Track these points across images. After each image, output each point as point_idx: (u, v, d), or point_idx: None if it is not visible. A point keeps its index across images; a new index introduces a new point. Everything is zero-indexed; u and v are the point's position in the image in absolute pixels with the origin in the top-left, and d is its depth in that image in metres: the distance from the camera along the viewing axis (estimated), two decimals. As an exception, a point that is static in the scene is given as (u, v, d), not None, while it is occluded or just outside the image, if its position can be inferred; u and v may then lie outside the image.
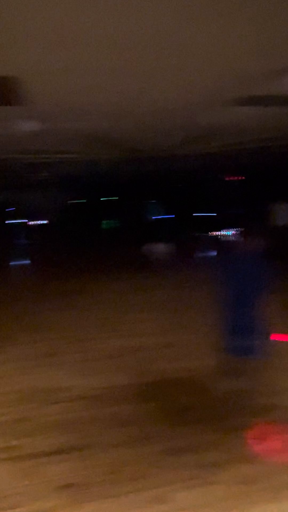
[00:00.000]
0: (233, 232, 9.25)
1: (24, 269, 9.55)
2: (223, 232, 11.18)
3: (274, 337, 2.61)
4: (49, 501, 2.15)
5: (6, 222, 16.87)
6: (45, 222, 18.21)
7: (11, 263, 9.73)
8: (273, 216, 11.06)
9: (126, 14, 2.56)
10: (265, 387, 2.95)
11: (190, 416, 2.85)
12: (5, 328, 4.88)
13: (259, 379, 2.74)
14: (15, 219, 17.25)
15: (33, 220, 18.06)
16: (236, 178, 13.03)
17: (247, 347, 2.52)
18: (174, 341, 4.26)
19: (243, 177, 13.03)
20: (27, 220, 17.45)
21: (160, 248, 10.09)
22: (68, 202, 20.84)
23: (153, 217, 15.00)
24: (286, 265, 3.85)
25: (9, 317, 5.38)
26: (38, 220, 18.39)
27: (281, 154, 8.42)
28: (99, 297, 6.26)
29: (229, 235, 10.49)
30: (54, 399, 3.16)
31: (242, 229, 2.78)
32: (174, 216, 14.93)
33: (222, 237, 10.95)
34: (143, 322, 4.97)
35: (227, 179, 13.25)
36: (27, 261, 10.00)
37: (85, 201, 20.28)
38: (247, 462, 2.37)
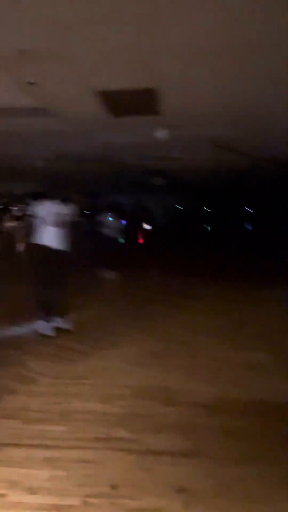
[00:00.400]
0: None
1: (135, 270, 9.93)
2: None
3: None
4: (163, 500, 2.20)
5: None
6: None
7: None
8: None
9: (256, 25, 2.53)
10: None
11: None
12: (119, 324, 5.16)
13: None
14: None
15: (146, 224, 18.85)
16: None
17: None
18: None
19: None
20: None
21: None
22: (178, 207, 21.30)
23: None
24: None
25: (120, 315, 5.69)
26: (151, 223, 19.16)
27: None
28: (212, 303, 6.23)
29: None
30: (168, 400, 3.23)
31: None
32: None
33: None
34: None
35: None
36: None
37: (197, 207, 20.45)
38: None
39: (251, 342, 4.59)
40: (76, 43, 2.89)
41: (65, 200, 4.87)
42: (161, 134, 5.37)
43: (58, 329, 4.75)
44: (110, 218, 9.38)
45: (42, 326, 4.70)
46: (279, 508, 2.17)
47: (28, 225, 5.07)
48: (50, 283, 4.63)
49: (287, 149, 7.32)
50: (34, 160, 9.55)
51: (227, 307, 6.15)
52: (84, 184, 21.25)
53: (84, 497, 2.21)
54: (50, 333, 4.66)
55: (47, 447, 2.67)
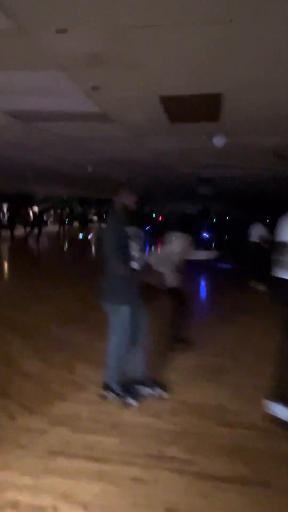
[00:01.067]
0: None
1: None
2: None
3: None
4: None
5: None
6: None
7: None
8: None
9: None
10: None
11: None
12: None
13: None
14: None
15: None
16: None
17: None
18: None
19: None
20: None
21: None
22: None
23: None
24: None
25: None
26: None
27: None
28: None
29: None
30: (223, 420, 3.05)
31: None
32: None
33: None
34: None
35: None
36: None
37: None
38: None
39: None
40: (145, 48, 2.83)
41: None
42: (218, 141, 5.22)
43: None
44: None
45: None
46: None
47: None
48: None
49: None
50: (85, 165, 9.70)
51: None
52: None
53: (139, 519, 2.10)
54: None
55: (98, 459, 2.59)
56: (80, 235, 22.29)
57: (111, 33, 2.62)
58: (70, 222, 31.83)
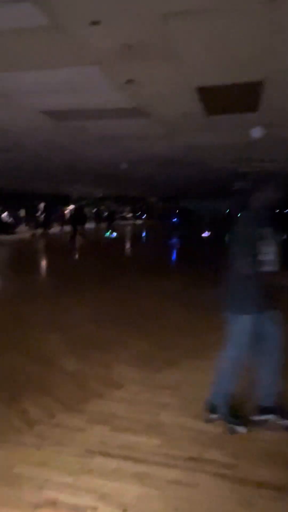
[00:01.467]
0: None
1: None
2: None
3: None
4: None
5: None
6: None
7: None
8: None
9: None
10: None
11: None
12: (212, 333, 4.89)
13: None
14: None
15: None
16: None
17: None
18: None
19: None
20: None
21: None
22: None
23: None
24: None
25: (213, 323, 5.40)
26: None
27: None
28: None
29: None
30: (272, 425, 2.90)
31: None
32: None
33: None
34: None
35: None
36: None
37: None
38: None
39: None
40: (183, 37, 2.73)
41: None
42: (257, 132, 5.04)
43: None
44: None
45: None
46: None
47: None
48: None
49: None
50: (119, 163, 9.70)
51: None
52: (162, 188, 21.36)
53: (181, 525, 2.02)
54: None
55: (136, 460, 2.53)
56: (107, 234, 22.29)
57: (147, 22, 2.54)
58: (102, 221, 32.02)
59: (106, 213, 28.07)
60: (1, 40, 2.80)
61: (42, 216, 23.93)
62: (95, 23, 2.51)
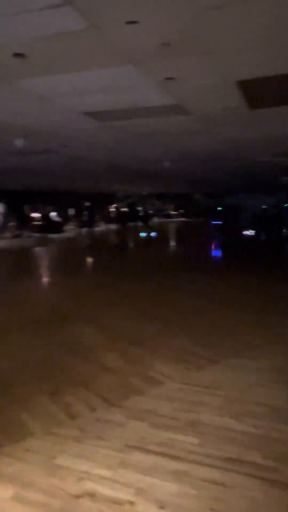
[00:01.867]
0: None
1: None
2: None
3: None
4: None
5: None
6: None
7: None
8: None
9: None
10: None
11: None
12: (253, 334, 4.78)
13: None
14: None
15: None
16: None
17: None
18: None
19: None
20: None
21: None
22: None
23: None
24: None
25: (254, 324, 5.28)
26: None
27: None
28: None
29: None
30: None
31: None
32: None
33: None
34: None
35: None
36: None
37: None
38: None
39: None
40: (220, 30, 2.68)
41: None
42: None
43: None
44: None
45: None
46: None
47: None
48: None
49: None
50: (162, 161, 9.69)
51: None
52: (206, 184, 21.07)
53: (217, 525, 2.00)
54: None
55: (174, 457, 2.53)
56: (142, 234, 21.88)
57: (184, 18, 2.52)
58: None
59: (141, 212, 27.54)
60: (43, 44, 2.89)
61: (88, 214, 24.52)
62: (132, 22, 2.53)
